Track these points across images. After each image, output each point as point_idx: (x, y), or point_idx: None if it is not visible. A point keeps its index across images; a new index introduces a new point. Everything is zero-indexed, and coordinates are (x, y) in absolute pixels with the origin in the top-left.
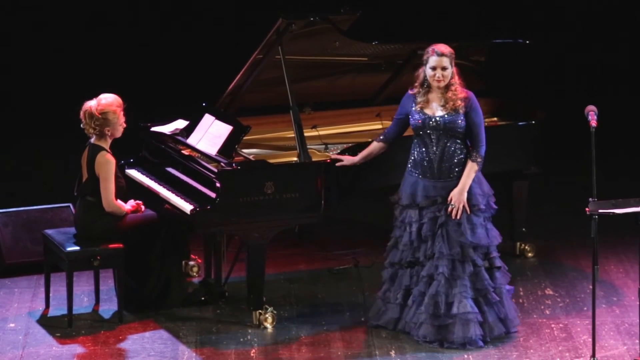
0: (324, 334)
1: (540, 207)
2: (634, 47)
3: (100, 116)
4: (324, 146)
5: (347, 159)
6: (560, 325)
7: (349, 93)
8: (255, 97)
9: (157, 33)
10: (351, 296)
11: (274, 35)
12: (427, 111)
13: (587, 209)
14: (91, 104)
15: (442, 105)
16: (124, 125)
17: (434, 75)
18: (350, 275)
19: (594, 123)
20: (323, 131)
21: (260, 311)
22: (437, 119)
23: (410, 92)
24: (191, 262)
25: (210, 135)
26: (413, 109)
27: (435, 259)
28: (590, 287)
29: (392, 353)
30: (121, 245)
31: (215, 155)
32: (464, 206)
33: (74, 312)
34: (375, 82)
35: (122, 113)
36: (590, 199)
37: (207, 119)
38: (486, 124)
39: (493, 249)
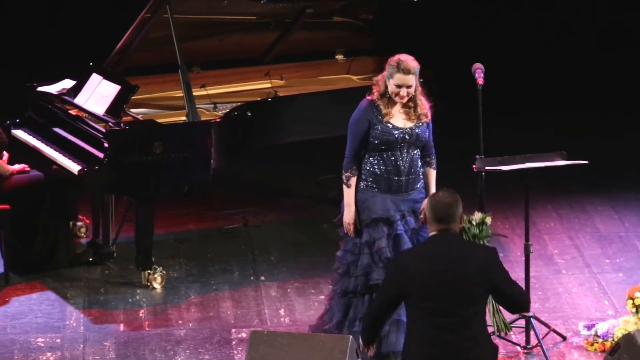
0: (213, 294)
1: None
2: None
3: None
4: (212, 105)
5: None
6: None
7: (238, 52)
8: (143, 57)
9: None
10: (240, 255)
11: None
12: (397, 123)
13: (473, 166)
14: None
15: (410, 117)
16: None
17: (398, 92)
18: (240, 234)
19: (480, 81)
20: (212, 90)
21: (149, 271)
22: (410, 131)
23: (368, 97)
24: (79, 223)
25: (98, 95)
26: (378, 120)
27: None
28: None
29: (281, 311)
30: (7, 207)
31: (103, 115)
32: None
33: None
34: (264, 41)
35: None
36: (477, 156)
37: (95, 78)
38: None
39: None
